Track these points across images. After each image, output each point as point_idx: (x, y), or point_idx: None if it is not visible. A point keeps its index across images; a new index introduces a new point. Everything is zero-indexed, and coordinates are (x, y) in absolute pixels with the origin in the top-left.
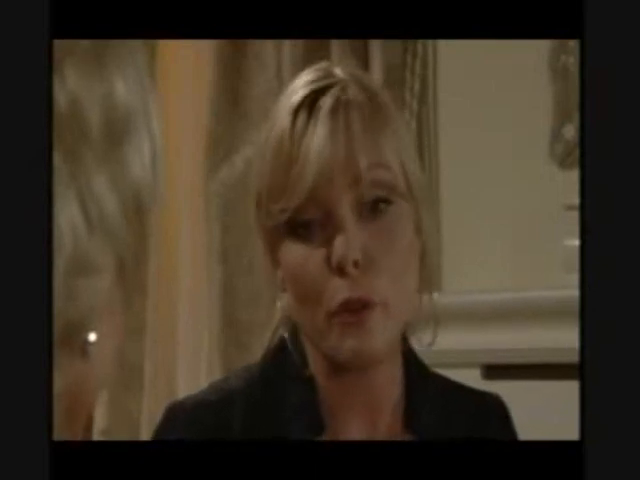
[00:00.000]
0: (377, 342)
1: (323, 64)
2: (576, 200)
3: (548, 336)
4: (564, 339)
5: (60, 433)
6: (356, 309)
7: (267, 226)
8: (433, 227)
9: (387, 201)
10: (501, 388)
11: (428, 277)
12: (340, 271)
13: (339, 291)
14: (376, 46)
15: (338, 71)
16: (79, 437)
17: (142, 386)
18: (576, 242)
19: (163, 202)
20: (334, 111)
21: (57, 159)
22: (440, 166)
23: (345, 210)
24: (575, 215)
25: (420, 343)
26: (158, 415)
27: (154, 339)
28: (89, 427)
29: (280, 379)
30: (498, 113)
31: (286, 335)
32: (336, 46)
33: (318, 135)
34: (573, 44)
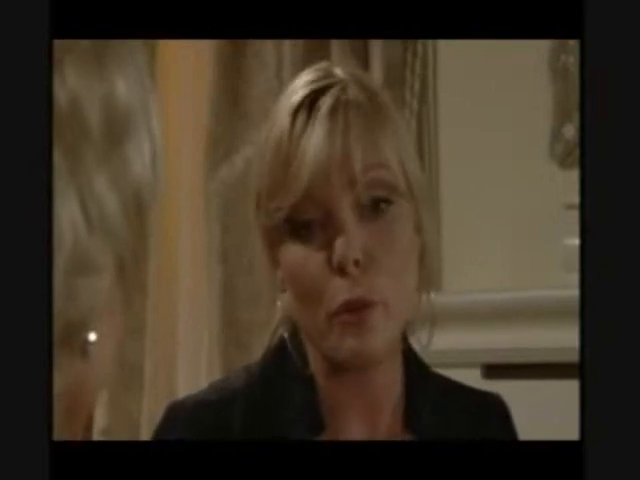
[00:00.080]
0: (377, 342)
1: (323, 64)
2: (576, 199)
3: (548, 336)
4: (564, 339)
5: (60, 433)
6: (357, 309)
7: (267, 226)
8: (433, 226)
9: (387, 201)
10: (501, 388)
11: (427, 276)
12: (341, 271)
13: (340, 291)
14: (376, 46)
15: (338, 71)
16: (79, 437)
17: (142, 386)
18: (576, 241)
19: (163, 202)
20: (333, 111)
21: (57, 157)
22: (440, 166)
23: (346, 210)
24: (575, 214)
25: (418, 343)
26: (158, 415)
27: (154, 339)
28: (89, 427)
29: (280, 378)
30: (498, 113)
31: (286, 335)
32: (336, 46)
33: (316, 135)
34: (573, 44)
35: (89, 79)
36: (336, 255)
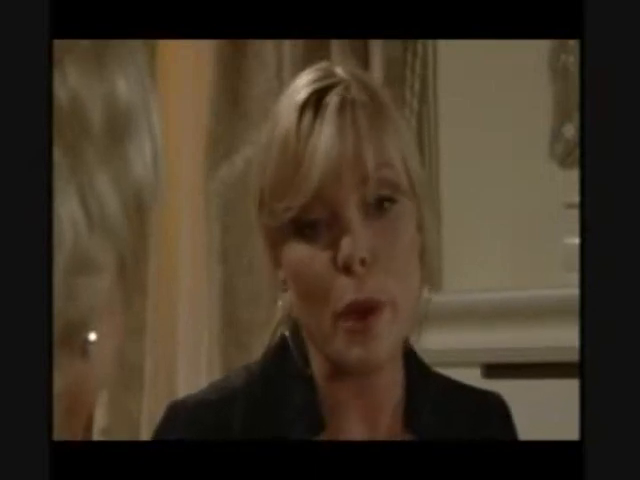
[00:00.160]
0: (383, 350)
1: (323, 64)
2: (576, 199)
3: (548, 335)
4: (564, 338)
5: (60, 433)
6: (363, 311)
7: (270, 225)
8: (434, 225)
9: (391, 200)
10: (501, 387)
11: (428, 275)
12: (347, 270)
13: (346, 292)
14: (376, 45)
15: (339, 70)
16: (79, 437)
17: (142, 386)
18: (576, 241)
19: (163, 202)
20: (341, 109)
21: (58, 156)
22: (440, 165)
23: (351, 209)
24: (575, 214)
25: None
26: (158, 415)
27: (154, 339)
28: (89, 427)
29: (281, 378)
30: (498, 113)
31: (287, 334)
32: (336, 46)
33: (325, 134)
34: (573, 43)
35: (90, 78)
36: (342, 254)
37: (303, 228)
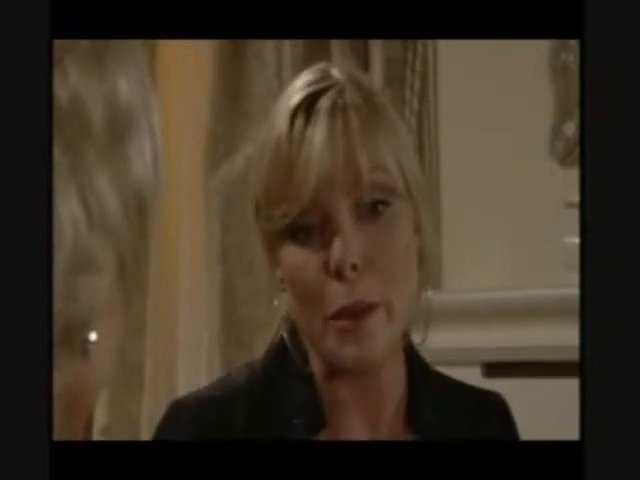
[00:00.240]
0: (378, 348)
1: (321, 65)
2: (576, 198)
3: (548, 334)
4: (564, 337)
5: (60, 433)
6: (355, 313)
7: (267, 229)
8: (432, 227)
9: (385, 203)
10: (501, 386)
11: (426, 276)
12: (338, 275)
13: (337, 296)
14: (376, 45)
15: (335, 72)
16: (79, 437)
17: (142, 386)
18: (576, 240)
19: (164, 201)
20: (331, 114)
21: (58, 156)
22: (440, 165)
23: (343, 213)
24: (575, 213)
25: (413, 342)
26: (158, 414)
27: (154, 339)
28: (89, 427)
29: (282, 376)
30: (498, 112)
31: (285, 334)
32: (336, 46)
33: (317, 139)
34: (573, 42)
35: (90, 78)
36: (333, 259)
37: (297, 232)
